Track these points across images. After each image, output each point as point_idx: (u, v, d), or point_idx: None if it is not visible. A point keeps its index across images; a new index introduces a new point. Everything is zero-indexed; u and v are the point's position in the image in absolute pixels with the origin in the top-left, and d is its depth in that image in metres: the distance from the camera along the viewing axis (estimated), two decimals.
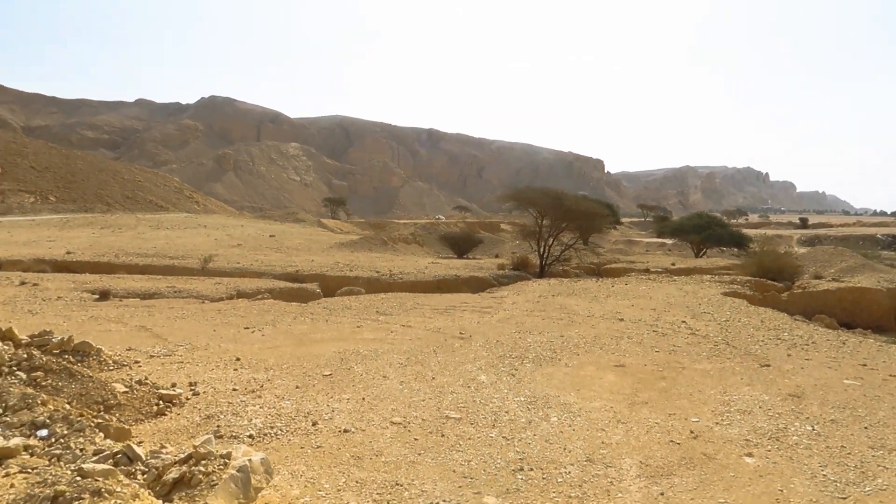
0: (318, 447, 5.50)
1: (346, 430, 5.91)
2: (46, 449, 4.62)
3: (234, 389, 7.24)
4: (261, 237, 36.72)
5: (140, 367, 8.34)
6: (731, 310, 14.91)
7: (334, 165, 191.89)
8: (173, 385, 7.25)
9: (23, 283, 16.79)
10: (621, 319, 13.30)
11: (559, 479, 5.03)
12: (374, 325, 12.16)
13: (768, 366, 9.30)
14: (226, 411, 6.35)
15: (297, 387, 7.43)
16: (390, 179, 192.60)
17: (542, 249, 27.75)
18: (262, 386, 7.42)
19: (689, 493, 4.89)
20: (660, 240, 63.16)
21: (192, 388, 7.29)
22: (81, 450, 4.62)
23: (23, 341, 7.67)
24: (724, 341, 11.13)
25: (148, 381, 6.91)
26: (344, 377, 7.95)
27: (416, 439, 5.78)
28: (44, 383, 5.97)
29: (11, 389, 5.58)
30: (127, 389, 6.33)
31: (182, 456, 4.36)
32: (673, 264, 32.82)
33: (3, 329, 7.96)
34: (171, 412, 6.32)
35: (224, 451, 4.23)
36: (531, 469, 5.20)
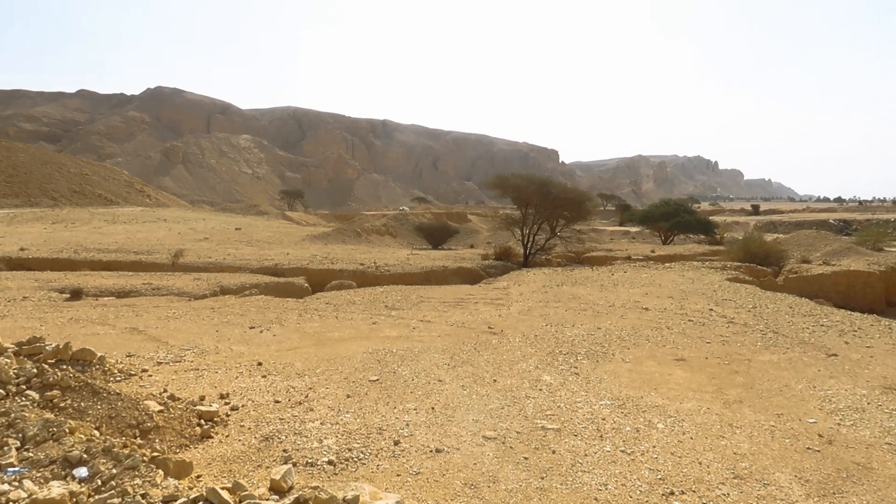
0: (416, 473, 4.52)
1: (438, 450, 4.94)
2: (97, 497, 3.53)
3: (277, 401, 6.17)
4: (226, 230, 35.00)
5: (150, 376, 7.17)
6: (749, 296, 14.39)
7: (287, 158, 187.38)
8: (202, 398, 6.14)
9: None
10: (646, 309, 12.60)
11: None
12: (390, 322, 11.14)
13: (835, 355, 8.68)
14: (284, 430, 5.29)
15: (347, 396, 6.40)
16: (345, 171, 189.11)
17: (525, 238, 27.01)
18: (306, 396, 6.36)
19: None
20: (623, 228, 63.36)
21: (226, 401, 6.19)
22: (143, 495, 3.55)
23: (9, 349, 6.45)
24: (769, 329, 10.50)
25: (180, 396, 5.79)
26: (394, 382, 6.95)
27: (525, 458, 4.85)
28: (62, 404, 4.82)
29: (26, 415, 4.44)
30: (162, 407, 5.21)
31: (288, 501, 3.34)
32: (653, 251, 32.58)
33: None
34: (216, 434, 5.23)
35: (349, 495, 3.22)
36: (682, 492, 4.34)
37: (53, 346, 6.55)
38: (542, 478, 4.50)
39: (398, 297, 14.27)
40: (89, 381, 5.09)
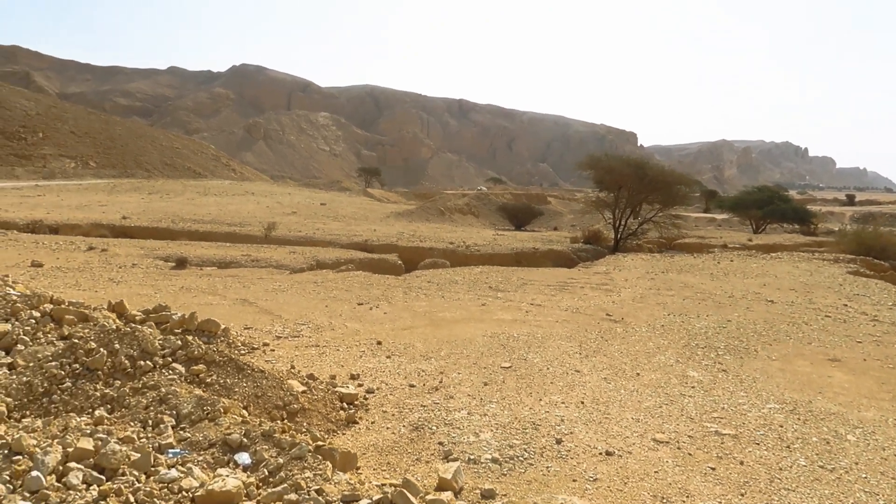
0: (593, 479, 4.02)
1: (608, 453, 4.42)
2: (270, 491, 3.17)
3: (412, 386, 5.79)
4: (312, 205, 35.40)
5: (273, 351, 6.95)
6: (883, 291, 13.19)
7: (364, 136, 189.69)
8: (333, 378, 5.83)
9: (91, 249, 15.57)
10: (771, 301, 11.67)
11: None
12: (499, 304, 10.68)
13: None
14: (432, 419, 4.89)
15: (484, 384, 5.96)
16: (420, 150, 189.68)
17: (617, 222, 25.99)
18: (440, 381, 5.96)
19: None
20: (708, 215, 60.67)
21: (358, 382, 5.86)
22: (318, 491, 3.17)
23: (137, 317, 6.32)
24: None
25: (318, 376, 5.48)
26: (528, 370, 6.47)
27: (711, 468, 4.27)
28: (209, 380, 4.55)
29: (176, 390, 4.17)
30: (304, 388, 4.89)
31: None
32: (749, 240, 30.90)
33: (113, 302, 6.65)
34: (361, 419, 4.88)
35: None
36: None
37: (179, 315, 6.36)
38: (742, 494, 3.91)
39: (499, 278, 13.79)
40: (233, 357, 4.82)
